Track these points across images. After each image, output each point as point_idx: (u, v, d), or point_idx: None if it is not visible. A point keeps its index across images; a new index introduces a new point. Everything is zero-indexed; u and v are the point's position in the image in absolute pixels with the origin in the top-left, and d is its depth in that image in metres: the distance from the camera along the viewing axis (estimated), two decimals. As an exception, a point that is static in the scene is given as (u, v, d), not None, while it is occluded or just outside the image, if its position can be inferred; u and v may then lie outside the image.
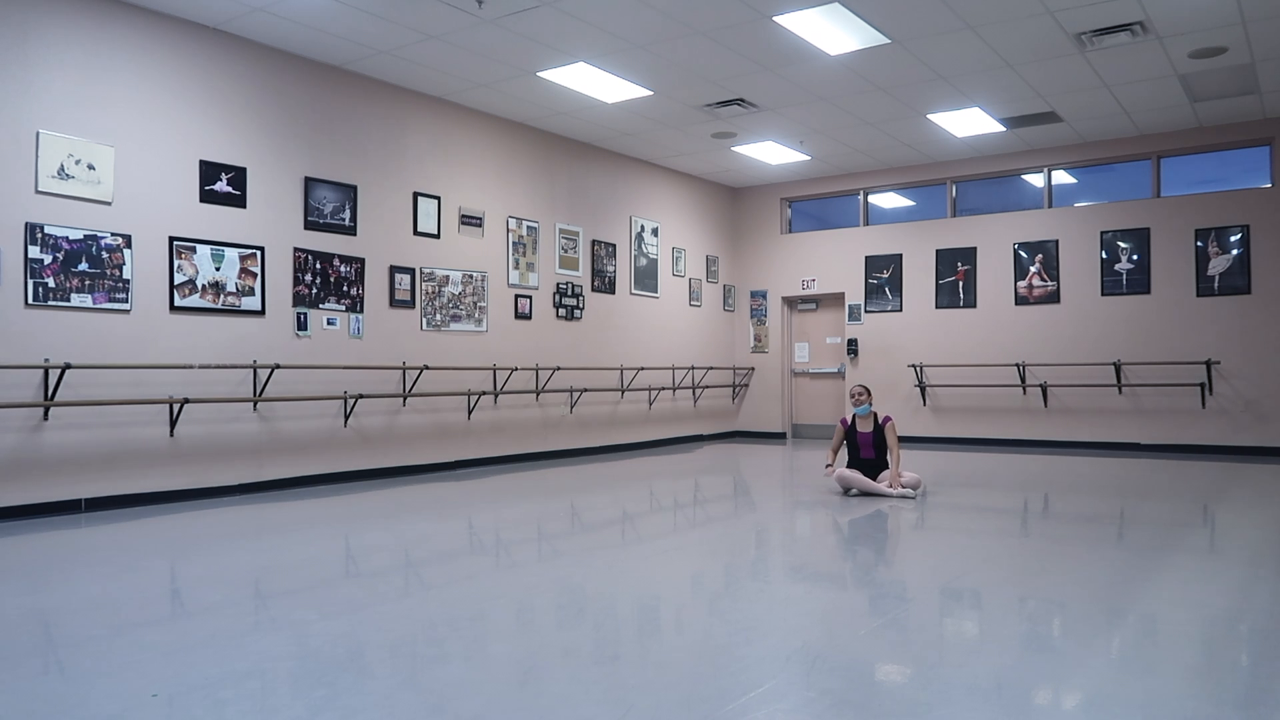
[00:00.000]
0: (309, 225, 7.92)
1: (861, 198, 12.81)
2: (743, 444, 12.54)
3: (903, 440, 12.15)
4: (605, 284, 11.21)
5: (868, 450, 7.24)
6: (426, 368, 8.71)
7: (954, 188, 12.17)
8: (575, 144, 10.81)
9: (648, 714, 2.64)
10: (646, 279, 11.93)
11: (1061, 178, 11.58)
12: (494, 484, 8.13)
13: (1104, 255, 11.03)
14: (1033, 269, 11.45)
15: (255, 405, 7.45)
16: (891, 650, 3.28)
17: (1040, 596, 4.09)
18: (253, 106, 7.55)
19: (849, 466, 7.26)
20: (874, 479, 7.12)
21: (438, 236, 9.07)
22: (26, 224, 6.21)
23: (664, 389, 12.09)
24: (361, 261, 8.32)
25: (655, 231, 12.10)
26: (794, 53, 7.91)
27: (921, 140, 10.90)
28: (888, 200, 12.90)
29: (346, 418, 8.14)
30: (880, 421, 7.23)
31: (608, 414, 11.19)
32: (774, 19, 7.17)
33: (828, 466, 7.32)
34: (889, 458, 7.14)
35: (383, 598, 4.07)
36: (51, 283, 6.32)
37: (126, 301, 6.69)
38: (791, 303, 13.52)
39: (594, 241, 11.08)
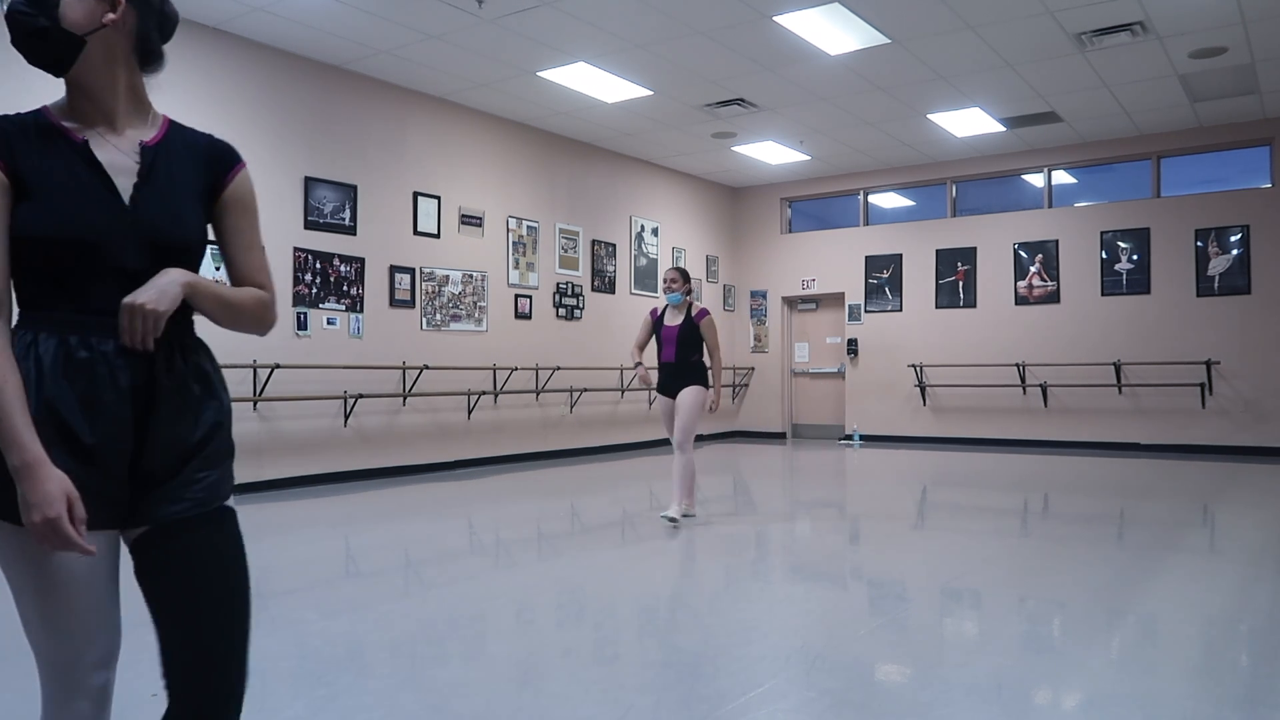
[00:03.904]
0: (309, 225, 7.92)
1: (861, 198, 12.81)
2: (743, 444, 12.54)
3: (903, 440, 12.18)
4: (605, 284, 11.21)
5: (669, 349, 5.95)
6: (426, 367, 8.71)
7: (954, 188, 12.17)
8: (575, 144, 10.81)
9: (648, 714, 2.64)
10: (646, 279, 11.93)
11: (1061, 178, 11.58)
12: (494, 484, 8.13)
13: (1104, 255, 11.03)
14: (1033, 269, 11.45)
15: (255, 405, 7.45)
16: (891, 650, 3.28)
17: (1040, 596, 4.09)
18: (253, 106, 7.55)
19: (659, 374, 6.08)
20: (677, 389, 5.90)
21: (438, 236, 9.07)
22: (26, 224, 6.20)
23: (664, 389, 12.07)
24: (361, 261, 8.32)
25: (655, 231, 12.10)
26: (794, 53, 7.91)
27: (921, 140, 10.90)
28: (888, 200, 12.90)
29: (346, 417, 8.14)
30: (695, 315, 5.93)
31: (608, 414, 11.19)
32: (774, 19, 7.16)
33: (637, 365, 6.00)
34: (709, 364, 5.95)
35: (383, 598, 4.07)
36: (51, 282, 6.31)
37: (126, 301, 6.68)
38: (791, 303, 13.52)
39: (594, 241, 11.08)
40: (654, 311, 6.14)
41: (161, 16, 1.51)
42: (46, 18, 1.37)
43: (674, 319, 5.96)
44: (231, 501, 1.50)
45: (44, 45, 1.39)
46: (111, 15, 1.39)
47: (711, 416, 13.25)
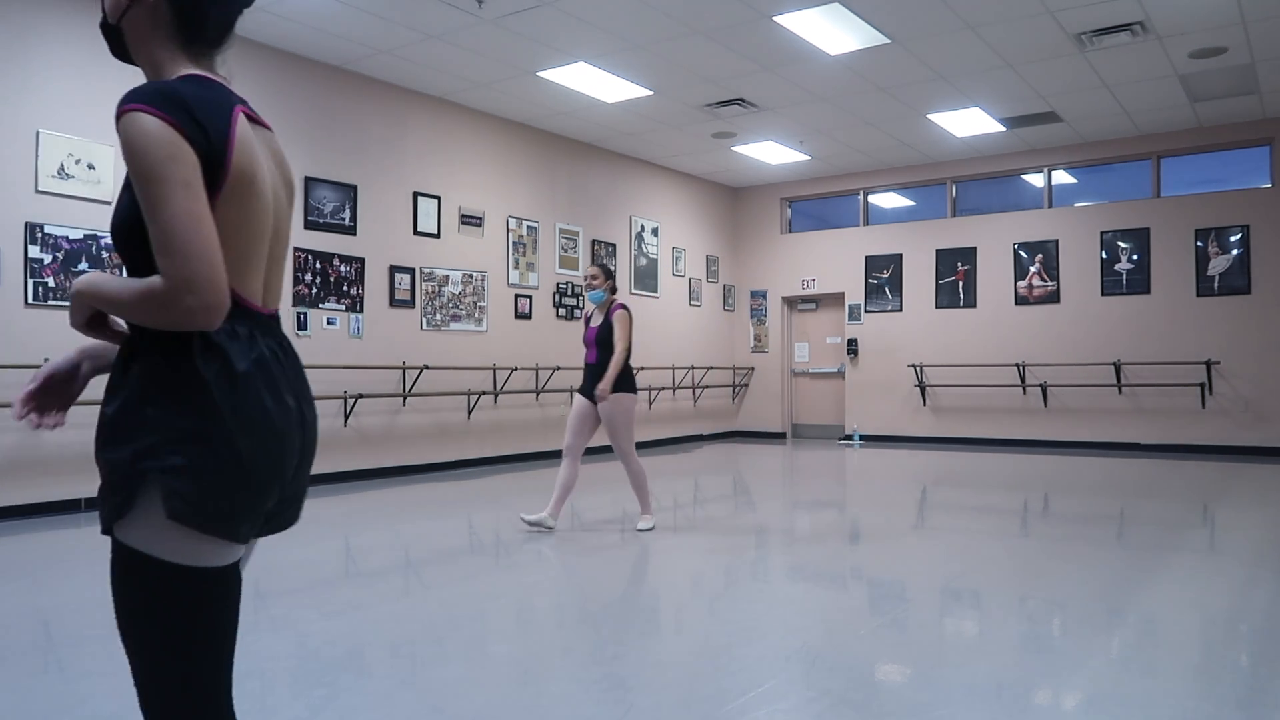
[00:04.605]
0: (309, 225, 7.92)
1: (861, 198, 12.81)
2: (742, 444, 12.54)
3: (903, 440, 12.18)
4: (605, 284, 11.20)
5: (591, 351, 5.67)
6: (426, 367, 8.71)
7: (954, 188, 12.17)
8: (575, 144, 10.81)
9: (648, 714, 2.64)
10: (646, 279, 11.93)
11: (1061, 178, 11.58)
12: (494, 484, 8.12)
13: (1104, 255, 11.03)
14: (1033, 269, 11.45)
15: (255, 405, 7.44)
16: (891, 650, 3.27)
17: (1040, 596, 4.09)
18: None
19: (583, 375, 5.77)
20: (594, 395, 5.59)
21: (438, 236, 9.07)
22: (26, 224, 6.21)
23: (664, 389, 12.09)
24: (361, 261, 8.32)
25: (655, 231, 12.10)
26: (794, 53, 7.91)
27: (921, 140, 10.90)
28: (888, 200, 12.90)
29: (346, 417, 8.14)
30: (610, 312, 5.62)
31: (608, 414, 11.18)
32: (774, 19, 7.16)
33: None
34: (613, 358, 5.52)
35: (383, 598, 4.07)
36: (51, 282, 6.32)
37: (126, 301, 6.69)
38: (791, 303, 13.52)
39: (594, 241, 11.08)
40: (586, 314, 5.92)
41: None
42: (102, 13, 1.43)
43: (596, 319, 5.71)
44: (139, 534, 1.26)
45: (107, 41, 1.44)
46: None
47: (715, 417, 13.35)
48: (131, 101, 1.24)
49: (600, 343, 5.58)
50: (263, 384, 1.31)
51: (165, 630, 1.28)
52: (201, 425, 1.25)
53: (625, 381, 5.58)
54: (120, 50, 1.44)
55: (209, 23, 1.41)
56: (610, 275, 5.73)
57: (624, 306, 5.63)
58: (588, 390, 5.64)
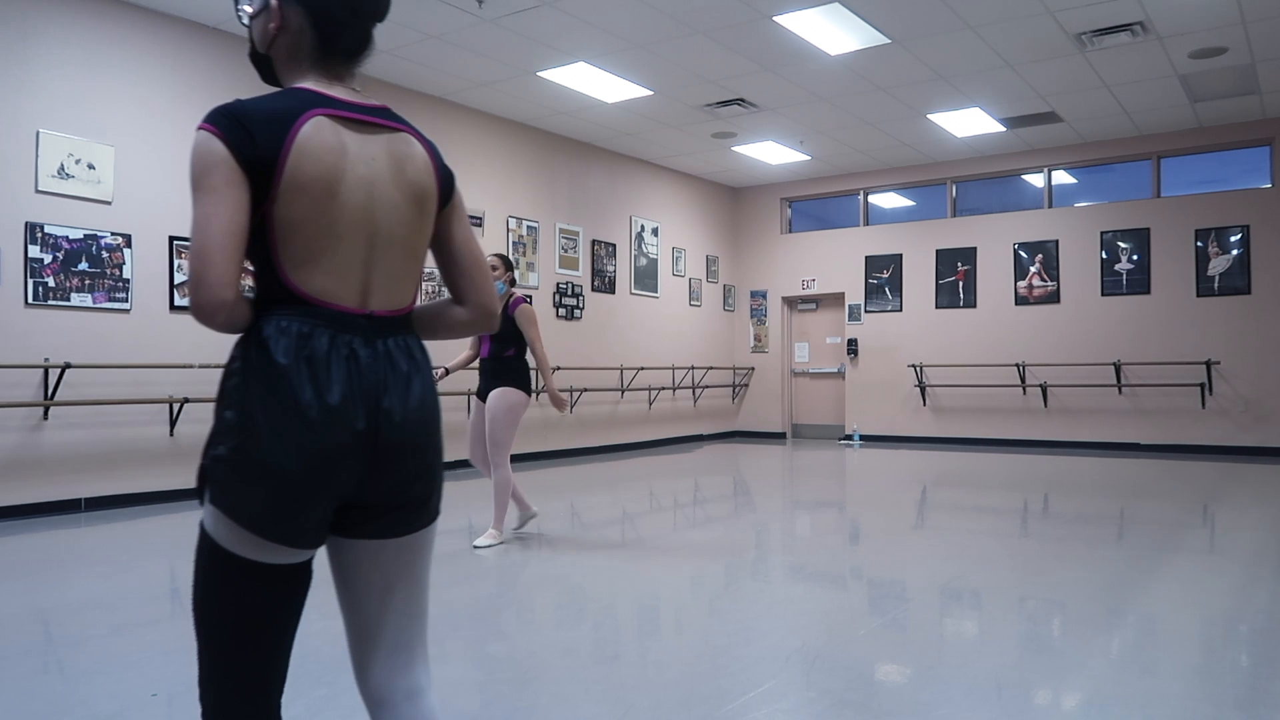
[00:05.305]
0: (309, 225, 7.91)
1: (861, 198, 12.82)
2: (743, 444, 12.54)
3: (903, 440, 12.18)
4: (605, 284, 11.22)
5: (485, 345, 5.35)
6: (426, 367, 8.70)
7: (954, 188, 12.17)
8: (575, 144, 10.81)
9: (648, 714, 2.64)
10: (646, 279, 11.93)
11: (1061, 178, 11.58)
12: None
13: (1104, 255, 11.03)
14: (1033, 269, 11.45)
15: (255, 405, 7.43)
16: (891, 650, 3.28)
17: (1040, 596, 4.09)
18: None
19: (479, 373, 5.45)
20: (489, 390, 5.30)
21: (438, 236, 9.06)
22: (26, 223, 6.21)
23: (664, 389, 12.09)
24: (361, 261, 8.31)
25: (655, 231, 12.10)
26: (794, 53, 7.91)
27: (921, 140, 10.90)
28: (888, 200, 12.90)
29: (346, 417, 8.12)
30: (509, 306, 5.28)
31: (608, 414, 11.19)
32: (774, 19, 7.17)
33: (444, 372, 5.24)
34: (537, 361, 5.37)
35: (383, 597, 4.06)
36: (51, 282, 6.32)
37: (126, 301, 6.70)
38: (791, 303, 13.52)
39: (594, 241, 11.08)
40: None
41: None
42: (250, 44, 1.53)
43: None
44: (204, 514, 1.38)
45: (257, 69, 1.54)
46: (273, 25, 1.45)
47: (715, 417, 13.34)
48: (201, 121, 1.36)
49: (495, 336, 5.24)
50: (307, 379, 1.32)
51: (218, 611, 1.36)
52: (239, 418, 1.32)
53: (520, 377, 5.33)
54: (270, 76, 1.53)
55: (347, 39, 1.47)
56: (511, 267, 5.37)
57: (526, 300, 5.37)
58: (481, 389, 5.40)
